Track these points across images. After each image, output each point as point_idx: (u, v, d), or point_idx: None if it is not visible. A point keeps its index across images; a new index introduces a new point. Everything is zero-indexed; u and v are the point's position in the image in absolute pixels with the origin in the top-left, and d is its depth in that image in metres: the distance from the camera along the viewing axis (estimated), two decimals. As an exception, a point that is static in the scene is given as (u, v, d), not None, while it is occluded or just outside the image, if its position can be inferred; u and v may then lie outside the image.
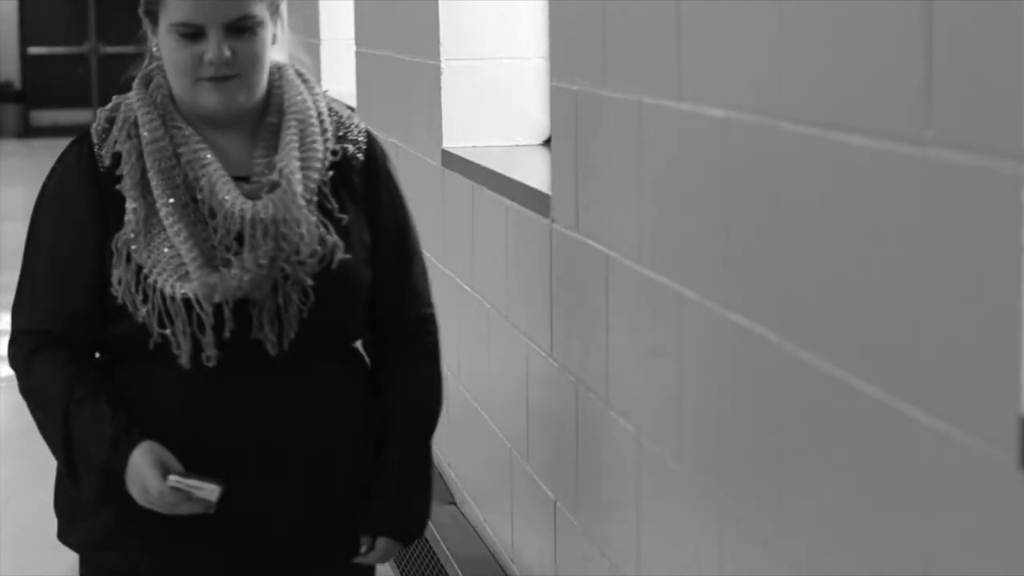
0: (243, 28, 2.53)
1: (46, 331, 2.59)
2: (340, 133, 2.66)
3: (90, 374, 2.58)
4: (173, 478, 2.44)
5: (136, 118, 2.59)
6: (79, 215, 2.58)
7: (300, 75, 2.68)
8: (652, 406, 2.63)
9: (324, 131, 2.63)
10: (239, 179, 2.57)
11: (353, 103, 6.18)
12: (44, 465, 6.30)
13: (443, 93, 4.37)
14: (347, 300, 2.61)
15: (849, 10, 1.84)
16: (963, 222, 1.60)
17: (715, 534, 2.35)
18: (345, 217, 2.60)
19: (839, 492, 1.93)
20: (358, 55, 5.92)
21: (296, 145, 2.58)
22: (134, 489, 2.49)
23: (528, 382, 3.51)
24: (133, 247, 2.53)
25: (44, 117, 20.19)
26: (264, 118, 2.62)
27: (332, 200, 2.60)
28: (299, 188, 2.55)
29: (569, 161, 3.05)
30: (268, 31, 2.58)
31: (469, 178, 4.06)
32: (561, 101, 3.11)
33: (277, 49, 2.62)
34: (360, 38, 5.86)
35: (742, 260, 2.22)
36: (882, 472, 1.81)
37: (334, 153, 2.62)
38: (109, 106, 2.64)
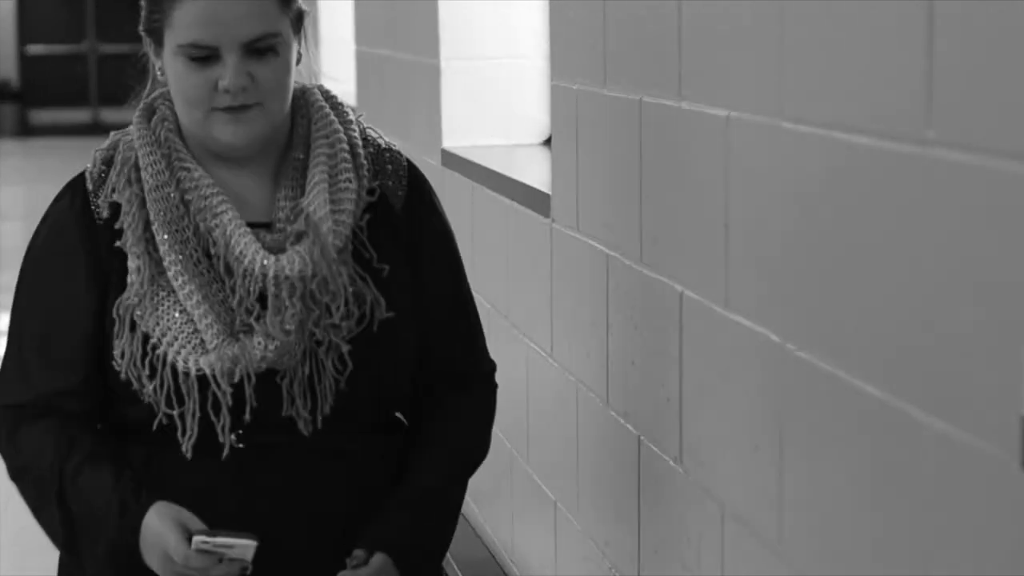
0: (264, 49, 2.15)
1: (32, 405, 2.23)
2: (377, 167, 2.28)
3: (86, 436, 2.21)
4: (199, 539, 2.07)
5: (137, 159, 2.22)
6: (72, 277, 2.21)
7: (328, 98, 2.30)
8: (652, 406, 2.63)
9: (359, 166, 2.25)
10: (259, 226, 2.20)
11: (353, 103, 6.17)
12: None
13: (443, 93, 4.36)
14: (391, 365, 2.25)
15: (850, 9, 1.84)
16: (965, 221, 1.60)
17: (716, 534, 2.35)
18: (385, 268, 2.22)
19: (840, 491, 1.93)
20: (358, 54, 5.92)
21: (325, 186, 2.19)
22: (153, 560, 2.11)
23: (528, 382, 3.51)
24: (138, 313, 2.17)
25: (42, 117, 20.18)
26: (288, 153, 2.24)
27: (370, 248, 2.22)
28: (330, 237, 2.16)
29: (569, 161, 3.05)
30: (292, 50, 2.21)
31: (469, 178, 4.06)
32: (561, 101, 3.11)
33: (301, 69, 2.27)
34: (360, 37, 5.86)
35: (742, 260, 2.22)
36: (882, 470, 1.81)
37: (371, 192, 2.25)
38: (106, 144, 2.28)
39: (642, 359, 2.68)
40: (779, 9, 2.04)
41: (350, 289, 2.18)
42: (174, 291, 2.16)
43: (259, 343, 2.14)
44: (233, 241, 2.16)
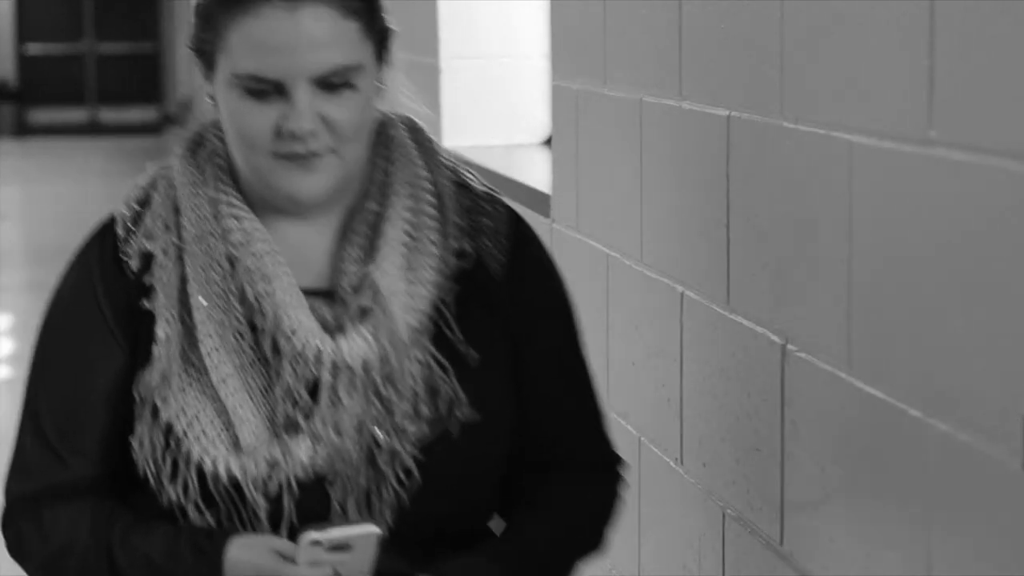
0: (338, 84, 1.76)
1: (52, 491, 1.84)
2: (473, 222, 1.85)
3: (125, 508, 1.83)
4: (312, 536, 1.69)
5: (178, 201, 1.82)
6: (94, 342, 1.83)
7: (415, 133, 1.90)
8: (652, 407, 2.63)
9: (445, 221, 1.83)
10: (320, 294, 1.81)
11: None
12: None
13: (443, 92, 4.36)
14: (471, 479, 1.82)
15: (850, 9, 1.84)
16: (968, 219, 1.60)
17: (717, 535, 2.35)
18: (474, 355, 1.81)
19: (842, 491, 1.93)
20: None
21: (402, 247, 1.80)
22: None
23: (527, 382, 3.50)
24: (161, 396, 1.78)
25: (41, 116, 20.19)
26: (361, 203, 1.84)
27: (456, 329, 1.81)
28: (403, 315, 1.78)
29: (569, 161, 3.05)
30: (371, 81, 1.80)
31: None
32: (562, 100, 3.11)
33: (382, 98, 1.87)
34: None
35: (743, 260, 2.21)
36: (884, 469, 1.81)
37: (461, 255, 1.83)
38: (143, 181, 1.87)
39: (642, 359, 2.68)
40: (779, 9, 2.03)
41: (421, 383, 1.78)
42: (207, 371, 1.77)
43: (306, 446, 1.75)
44: (283, 313, 1.76)
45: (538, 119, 4.31)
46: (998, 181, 1.53)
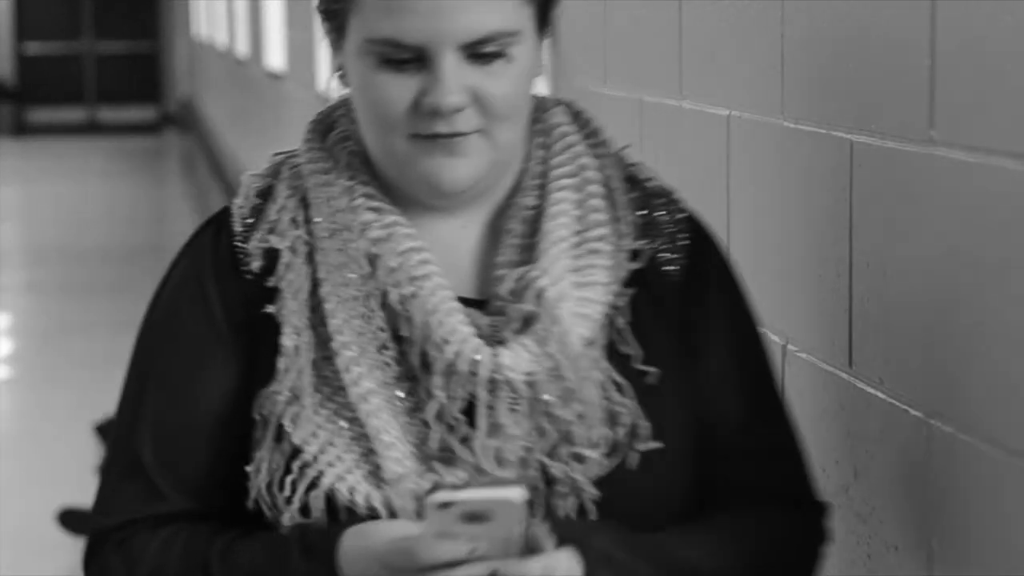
0: (491, 54, 1.49)
1: (142, 520, 1.57)
2: (645, 221, 1.60)
3: (225, 529, 1.55)
4: (440, 497, 1.36)
5: (307, 192, 1.57)
6: (206, 355, 1.57)
7: (578, 119, 1.63)
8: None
9: (617, 219, 1.58)
10: (470, 304, 1.54)
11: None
12: (40, 467, 6.34)
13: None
14: (652, 518, 1.53)
15: (851, 9, 1.84)
16: (971, 217, 1.59)
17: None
18: (653, 372, 1.55)
19: (843, 491, 1.92)
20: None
21: (568, 247, 1.55)
22: None
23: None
24: (288, 417, 1.51)
25: (39, 115, 20.20)
26: (515, 198, 1.58)
27: (631, 340, 1.55)
28: (573, 324, 1.51)
29: (569, 160, 3.04)
30: (529, 52, 1.53)
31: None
32: (561, 100, 3.10)
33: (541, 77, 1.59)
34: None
35: (743, 260, 2.21)
36: (884, 470, 1.81)
37: (634, 256, 1.57)
38: (264, 169, 1.62)
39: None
40: (779, 8, 2.03)
41: (602, 404, 1.51)
42: (344, 388, 1.51)
43: (464, 477, 1.48)
44: (435, 320, 1.50)
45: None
46: (999, 181, 1.53)
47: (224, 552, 1.51)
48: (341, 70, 1.56)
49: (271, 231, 1.56)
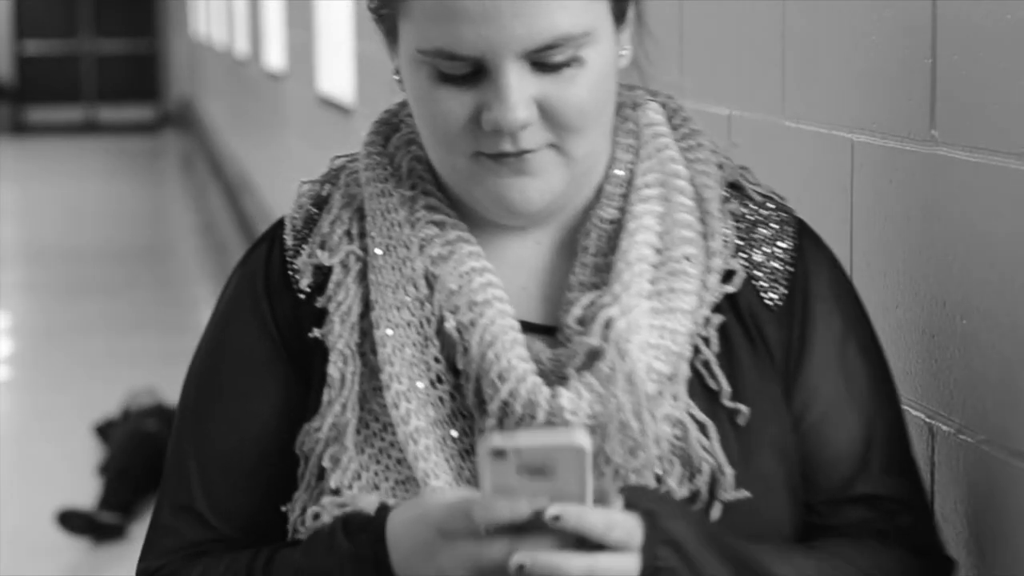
0: (556, 64, 1.31)
1: (189, 546, 1.44)
2: (744, 232, 1.42)
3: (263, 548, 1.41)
4: (495, 443, 1.19)
5: (363, 202, 1.41)
6: (263, 377, 1.42)
7: (674, 117, 1.46)
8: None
9: (707, 233, 1.39)
10: (540, 330, 1.38)
11: (353, 102, 6.17)
12: (39, 467, 6.33)
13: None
14: None
15: (852, 8, 1.83)
16: (972, 216, 1.59)
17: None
18: (744, 411, 1.37)
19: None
20: (357, 52, 5.91)
21: (647, 269, 1.37)
22: (446, 558, 1.23)
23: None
24: (328, 459, 1.37)
25: (38, 114, 20.20)
26: (592, 210, 1.41)
27: (720, 376, 1.37)
28: (646, 359, 1.34)
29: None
30: (606, 50, 1.34)
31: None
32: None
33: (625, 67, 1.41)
34: (360, 34, 5.85)
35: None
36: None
37: (727, 276, 1.39)
38: (320, 174, 1.47)
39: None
40: (780, 8, 2.03)
41: (669, 450, 1.34)
42: (391, 425, 1.36)
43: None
44: (493, 354, 1.33)
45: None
46: (1001, 180, 1.52)
47: (269, 560, 1.37)
48: (398, 74, 1.40)
49: (321, 246, 1.41)
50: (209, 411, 1.43)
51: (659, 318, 1.35)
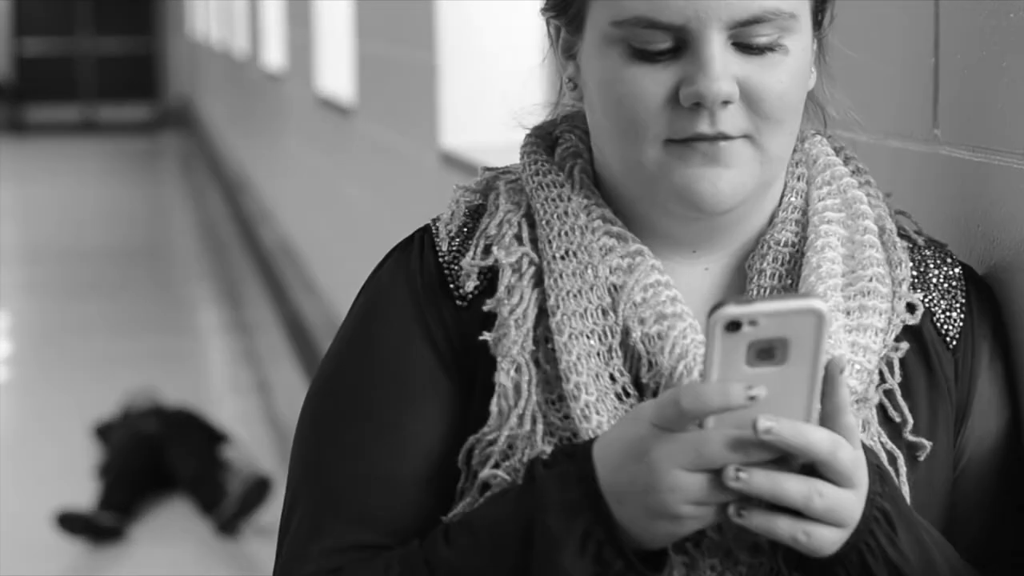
0: (760, 47, 1.26)
1: (346, 548, 1.32)
2: (917, 271, 1.38)
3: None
4: (730, 311, 1.10)
5: (533, 209, 1.35)
6: (427, 388, 1.33)
7: (840, 152, 1.44)
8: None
9: (894, 263, 1.36)
10: None
11: (353, 102, 6.16)
12: (38, 468, 6.33)
13: (441, 90, 4.35)
14: None
15: (853, 8, 1.83)
16: (975, 212, 1.59)
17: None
18: (926, 445, 1.33)
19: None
20: (357, 51, 5.90)
21: (839, 285, 1.33)
22: (658, 453, 1.15)
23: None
24: (500, 469, 1.28)
25: (36, 114, 20.21)
26: (768, 234, 1.36)
27: (903, 406, 1.33)
28: (849, 386, 1.29)
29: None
30: (805, 48, 1.31)
31: (468, 176, 4.05)
32: (561, 99, 3.09)
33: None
34: (360, 33, 5.84)
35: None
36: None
37: (911, 309, 1.36)
38: (475, 181, 1.43)
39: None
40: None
41: (870, 479, 1.22)
42: (574, 436, 1.27)
43: (710, 566, 1.24)
44: (684, 367, 1.26)
45: (538, 118, 4.29)
46: (1003, 179, 1.52)
47: (438, 539, 1.27)
48: (572, 80, 1.36)
49: (486, 248, 1.34)
50: (361, 427, 1.33)
51: (851, 335, 1.31)
